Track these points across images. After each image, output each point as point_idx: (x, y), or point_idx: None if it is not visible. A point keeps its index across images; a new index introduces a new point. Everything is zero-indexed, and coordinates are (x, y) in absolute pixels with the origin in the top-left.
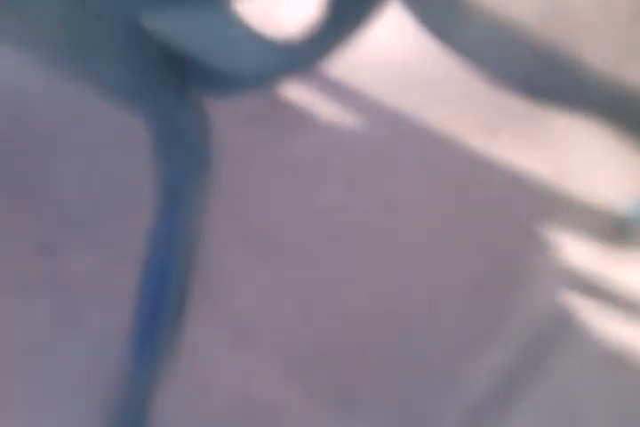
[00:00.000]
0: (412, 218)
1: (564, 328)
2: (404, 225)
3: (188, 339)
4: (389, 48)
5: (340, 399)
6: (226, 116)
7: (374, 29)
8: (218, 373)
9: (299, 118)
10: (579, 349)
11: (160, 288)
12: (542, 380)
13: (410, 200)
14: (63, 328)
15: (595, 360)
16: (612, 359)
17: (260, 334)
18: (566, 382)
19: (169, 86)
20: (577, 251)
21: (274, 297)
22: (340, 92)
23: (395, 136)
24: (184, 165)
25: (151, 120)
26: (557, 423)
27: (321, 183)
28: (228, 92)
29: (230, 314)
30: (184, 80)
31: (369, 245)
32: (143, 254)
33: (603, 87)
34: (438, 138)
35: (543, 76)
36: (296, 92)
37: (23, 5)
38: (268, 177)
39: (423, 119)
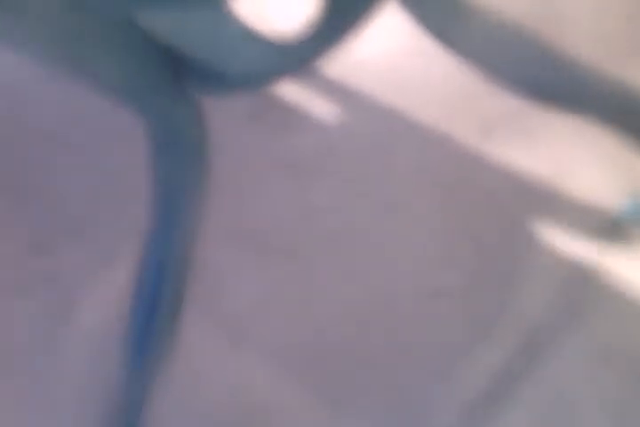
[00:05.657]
0: (408, 217)
1: (559, 327)
2: (400, 225)
3: (184, 339)
4: (386, 47)
5: (337, 399)
6: (222, 115)
7: (371, 29)
8: (215, 373)
9: (295, 118)
10: (574, 348)
11: (156, 287)
12: (538, 379)
13: (406, 200)
14: (58, 328)
15: (591, 359)
16: (608, 358)
17: (258, 334)
18: (562, 381)
19: (166, 85)
20: (572, 249)
21: (271, 297)
22: (336, 91)
23: (391, 136)
24: (181, 163)
25: (148, 118)
26: (552, 423)
27: (317, 182)
28: (224, 90)
29: (227, 314)
30: (181, 79)
31: (365, 244)
32: (139, 253)
33: (600, 86)
34: (434, 138)
35: (540, 75)
36: (292, 91)
37: (21, 3)
38: (265, 176)
39: (419, 119)
